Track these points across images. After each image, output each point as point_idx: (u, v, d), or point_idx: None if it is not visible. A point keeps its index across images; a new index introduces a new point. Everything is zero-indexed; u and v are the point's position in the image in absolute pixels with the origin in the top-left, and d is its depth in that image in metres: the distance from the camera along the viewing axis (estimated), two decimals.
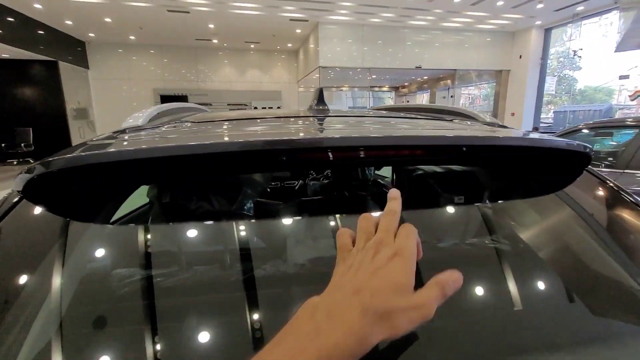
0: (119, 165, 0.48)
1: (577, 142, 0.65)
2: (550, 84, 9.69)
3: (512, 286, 0.55)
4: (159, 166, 0.51)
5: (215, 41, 10.16)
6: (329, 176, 1.46)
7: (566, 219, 0.67)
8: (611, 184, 0.71)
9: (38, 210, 0.48)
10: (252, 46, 10.93)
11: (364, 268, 0.31)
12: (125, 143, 0.54)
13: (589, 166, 0.70)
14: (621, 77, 8.50)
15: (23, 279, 0.43)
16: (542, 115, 10.29)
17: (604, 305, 0.53)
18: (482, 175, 0.77)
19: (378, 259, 0.31)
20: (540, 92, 9.30)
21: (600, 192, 0.71)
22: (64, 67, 8.72)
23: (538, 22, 8.49)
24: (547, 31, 8.90)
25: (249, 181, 0.75)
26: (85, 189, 0.53)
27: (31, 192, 0.48)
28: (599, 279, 0.59)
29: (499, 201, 0.72)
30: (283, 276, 0.52)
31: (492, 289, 0.55)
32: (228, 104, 11.25)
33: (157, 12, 7.31)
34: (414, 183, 0.85)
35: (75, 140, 9.35)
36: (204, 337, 0.43)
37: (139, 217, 0.69)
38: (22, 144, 8.19)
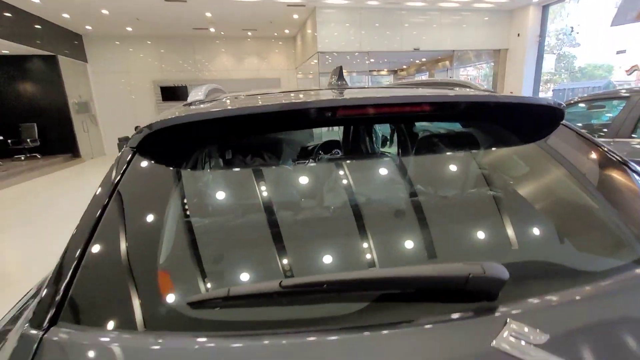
0: (207, 122, 0.65)
1: (553, 99, 0.80)
2: (549, 62, 9.69)
3: (505, 222, 0.72)
4: (237, 122, 0.68)
5: (212, 30, 10.12)
6: (338, 153, 1.63)
7: (548, 166, 0.82)
8: (584, 135, 0.85)
9: (147, 161, 0.65)
10: (250, 34, 10.88)
11: None
12: (204, 107, 0.70)
13: (564, 120, 0.84)
14: (618, 52, 8.52)
15: (143, 215, 0.60)
16: (542, 94, 10.32)
17: (582, 238, 0.68)
18: (477, 131, 0.91)
19: None
20: (538, 70, 9.32)
21: (575, 142, 0.85)
22: (64, 61, 8.75)
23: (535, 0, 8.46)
24: (545, 8, 8.85)
25: (293, 142, 0.93)
26: (181, 143, 0.69)
27: (142, 148, 0.66)
28: (576, 213, 0.74)
29: (492, 149, 0.87)
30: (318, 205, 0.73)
31: (486, 228, 0.71)
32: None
33: (154, 2, 7.30)
34: (420, 141, 1.00)
35: (80, 134, 9.46)
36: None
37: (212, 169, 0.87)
38: (28, 140, 8.30)
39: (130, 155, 0.65)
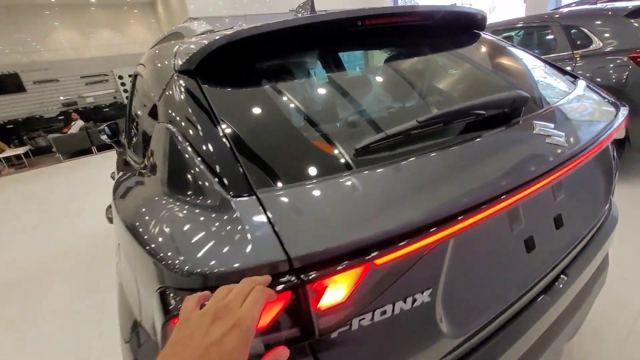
0: (249, 39, 0.68)
1: (477, 9, 1.01)
2: None
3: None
4: (277, 37, 0.73)
5: None
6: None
7: (476, 62, 1.06)
8: (501, 41, 1.16)
9: (198, 83, 0.67)
10: (92, 0, 8.94)
11: (197, 342, 0.31)
12: (237, 29, 0.69)
13: (485, 29, 1.12)
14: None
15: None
16: None
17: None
18: (424, 43, 1.09)
19: (213, 331, 0.31)
20: None
21: (494, 45, 1.14)
22: None
23: None
24: None
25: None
26: (230, 63, 0.71)
27: (195, 71, 0.68)
28: (485, 87, 1.01)
29: (440, 53, 1.08)
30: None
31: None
32: (82, 77, 9.23)
33: None
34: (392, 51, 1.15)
35: None
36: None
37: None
38: None
39: (181, 81, 0.68)
